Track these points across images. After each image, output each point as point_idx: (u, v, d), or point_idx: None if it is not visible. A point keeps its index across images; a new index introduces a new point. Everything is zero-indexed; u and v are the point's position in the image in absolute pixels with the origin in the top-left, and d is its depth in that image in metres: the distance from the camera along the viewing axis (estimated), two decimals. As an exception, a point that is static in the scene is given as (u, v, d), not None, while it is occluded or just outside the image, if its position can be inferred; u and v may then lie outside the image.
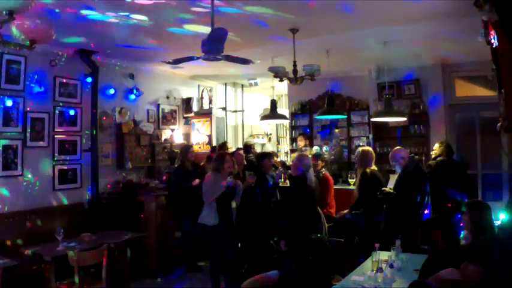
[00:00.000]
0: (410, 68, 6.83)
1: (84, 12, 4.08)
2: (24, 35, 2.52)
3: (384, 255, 3.24)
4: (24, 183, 5.01)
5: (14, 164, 4.91)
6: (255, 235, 4.97)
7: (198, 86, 8.09)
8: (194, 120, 7.79)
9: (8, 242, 4.54)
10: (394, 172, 5.05)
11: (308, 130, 8.16)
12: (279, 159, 7.70)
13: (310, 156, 5.44)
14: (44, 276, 3.96)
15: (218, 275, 4.60)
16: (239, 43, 5.22)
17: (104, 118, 6.05)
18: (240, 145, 8.62)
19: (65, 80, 5.51)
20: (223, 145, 6.84)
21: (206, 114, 7.83)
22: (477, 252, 1.95)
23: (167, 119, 7.32)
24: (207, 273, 5.12)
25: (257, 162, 5.40)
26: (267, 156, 5.36)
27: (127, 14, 4.18)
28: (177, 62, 3.95)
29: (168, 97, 7.30)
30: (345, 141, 7.79)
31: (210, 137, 7.71)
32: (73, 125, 5.61)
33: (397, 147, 4.94)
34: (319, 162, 5.80)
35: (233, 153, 5.67)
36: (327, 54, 5.66)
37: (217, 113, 8.19)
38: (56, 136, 5.41)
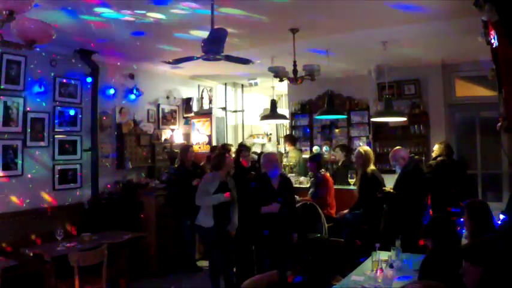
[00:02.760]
0: (410, 68, 6.82)
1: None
2: (24, 35, 2.51)
3: (384, 255, 3.24)
4: (24, 183, 5.01)
5: (14, 164, 4.91)
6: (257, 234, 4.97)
7: (198, 86, 8.09)
8: (194, 120, 7.79)
9: (8, 242, 4.53)
10: (394, 172, 5.05)
11: (308, 130, 8.16)
12: None
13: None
14: (44, 276, 3.96)
15: (218, 275, 4.59)
16: (239, 43, 5.22)
17: (104, 118, 6.05)
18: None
19: (65, 80, 5.51)
20: (224, 147, 6.82)
21: (206, 114, 7.83)
22: (476, 253, 1.95)
23: (167, 119, 7.32)
24: (207, 273, 5.11)
25: (259, 161, 5.40)
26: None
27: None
28: (177, 62, 3.96)
29: (168, 97, 7.30)
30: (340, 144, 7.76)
31: (210, 137, 7.71)
32: (73, 125, 5.61)
33: (397, 147, 4.94)
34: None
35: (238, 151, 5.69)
36: (327, 54, 5.66)
37: (217, 113, 8.18)
38: (56, 136, 5.40)
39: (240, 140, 8.97)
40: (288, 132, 8.84)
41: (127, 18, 4.31)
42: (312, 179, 5.86)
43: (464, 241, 2.94)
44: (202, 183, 4.65)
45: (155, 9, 4.08)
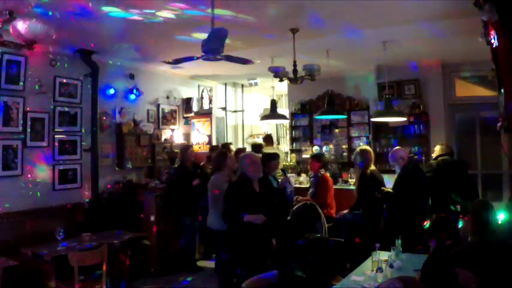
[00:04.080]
0: (411, 68, 6.82)
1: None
2: (24, 35, 2.52)
3: (384, 255, 3.24)
4: (24, 183, 5.01)
5: (14, 164, 4.91)
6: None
7: (198, 86, 8.09)
8: (194, 120, 7.79)
9: (8, 242, 4.53)
10: (394, 172, 5.06)
11: (308, 130, 8.16)
12: None
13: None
14: (44, 276, 3.96)
15: (224, 278, 4.52)
16: (239, 43, 5.22)
17: (104, 118, 6.05)
18: (240, 145, 8.62)
19: (65, 80, 5.51)
20: (225, 146, 6.83)
21: (206, 114, 7.83)
22: (469, 257, 1.95)
23: (167, 119, 7.32)
24: (207, 273, 5.11)
25: (263, 163, 5.32)
26: (273, 157, 5.11)
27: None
28: (177, 62, 3.95)
29: (168, 97, 7.30)
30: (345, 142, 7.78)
31: (210, 137, 7.71)
32: (73, 125, 5.61)
33: (397, 147, 4.95)
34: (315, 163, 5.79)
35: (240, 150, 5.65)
36: (327, 54, 5.66)
37: (217, 113, 8.19)
38: (56, 136, 5.40)
39: (240, 140, 8.98)
40: (288, 133, 8.85)
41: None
42: (312, 178, 5.85)
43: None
44: (214, 186, 4.46)
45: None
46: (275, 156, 5.10)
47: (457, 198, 4.65)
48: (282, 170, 5.79)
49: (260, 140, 8.85)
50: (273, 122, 9.10)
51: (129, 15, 4.24)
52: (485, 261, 1.88)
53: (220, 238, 4.31)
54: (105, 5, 3.94)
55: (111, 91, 6.15)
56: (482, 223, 2.75)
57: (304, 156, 7.79)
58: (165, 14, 4.24)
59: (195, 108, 7.79)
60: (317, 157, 5.89)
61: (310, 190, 5.74)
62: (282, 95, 9.76)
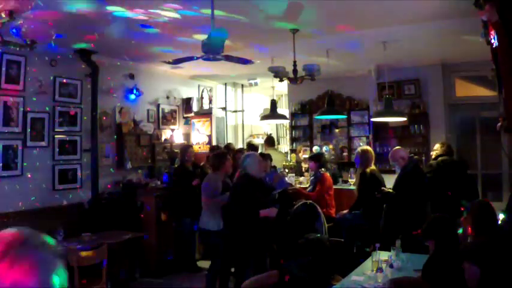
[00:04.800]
0: (410, 68, 6.83)
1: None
2: (24, 35, 2.52)
3: (384, 255, 3.24)
4: (24, 183, 5.00)
5: (14, 164, 4.91)
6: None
7: (198, 86, 8.09)
8: (194, 120, 7.79)
9: (8, 242, 4.53)
10: (394, 172, 5.06)
11: (308, 130, 8.16)
12: None
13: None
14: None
15: (215, 279, 4.54)
16: (239, 43, 5.22)
17: (104, 118, 6.04)
18: (240, 145, 8.62)
19: (65, 80, 5.51)
20: (228, 147, 6.82)
21: (206, 114, 7.83)
22: (477, 253, 1.96)
23: (167, 119, 7.32)
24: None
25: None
26: (267, 157, 5.26)
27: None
28: (177, 62, 3.96)
29: (168, 97, 7.30)
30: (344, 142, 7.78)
31: (210, 137, 7.71)
32: (73, 125, 5.61)
33: (397, 147, 4.95)
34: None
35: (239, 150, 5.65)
36: (327, 54, 5.66)
37: (217, 113, 8.19)
38: (56, 136, 5.40)
39: (240, 140, 8.98)
40: (288, 133, 8.84)
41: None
42: (312, 178, 5.87)
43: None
44: (210, 183, 4.53)
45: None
46: (267, 156, 5.29)
47: (465, 203, 4.64)
48: (273, 166, 5.78)
49: (259, 141, 8.86)
50: (273, 122, 9.09)
51: (134, 15, 4.23)
52: (491, 259, 1.88)
53: (218, 239, 4.32)
54: (106, 5, 3.94)
55: (111, 91, 6.15)
56: (483, 224, 2.75)
57: (303, 156, 7.75)
58: (166, 14, 4.23)
59: (195, 108, 7.78)
60: (315, 157, 5.88)
61: (309, 188, 5.76)
62: (282, 95, 9.76)
